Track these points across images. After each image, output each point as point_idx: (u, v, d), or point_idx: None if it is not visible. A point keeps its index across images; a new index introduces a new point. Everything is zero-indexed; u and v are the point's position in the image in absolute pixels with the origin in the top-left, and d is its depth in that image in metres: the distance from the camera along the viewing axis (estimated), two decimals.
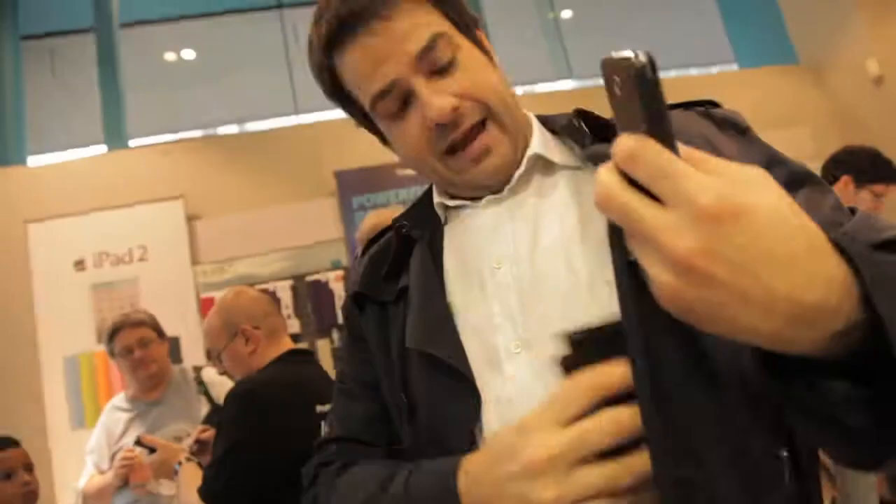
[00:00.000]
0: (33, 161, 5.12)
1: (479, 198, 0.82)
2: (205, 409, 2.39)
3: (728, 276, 0.40)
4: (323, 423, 1.77)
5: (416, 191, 4.37)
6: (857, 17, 5.49)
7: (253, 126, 5.74)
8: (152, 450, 1.93)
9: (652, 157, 0.42)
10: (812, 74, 5.78)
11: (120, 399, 2.49)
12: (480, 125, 0.76)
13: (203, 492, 1.65)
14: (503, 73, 0.81)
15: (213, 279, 4.05)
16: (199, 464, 1.88)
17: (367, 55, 0.75)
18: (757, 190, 0.42)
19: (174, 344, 3.66)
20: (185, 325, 3.85)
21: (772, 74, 5.79)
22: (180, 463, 1.85)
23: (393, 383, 0.81)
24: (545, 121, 0.85)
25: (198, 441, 2.07)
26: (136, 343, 2.37)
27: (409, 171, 4.40)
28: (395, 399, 0.81)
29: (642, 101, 0.43)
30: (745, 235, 0.40)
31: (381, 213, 2.73)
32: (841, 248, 0.43)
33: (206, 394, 2.43)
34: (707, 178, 0.41)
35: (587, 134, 0.76)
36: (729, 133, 0.76)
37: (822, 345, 0.43)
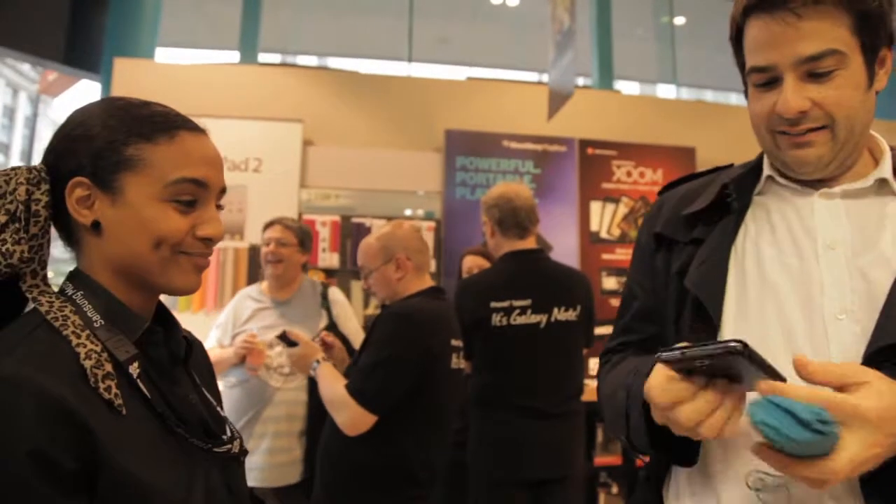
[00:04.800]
0: (161, 53, 5.37)
1: (800, 182, 0.96)
2: (323, 321, 2.63)
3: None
4: (454, 355, 2.00)
5: (517, 163, 4.56)
6: None
7: (364, 64, 5.92)
8: (294, 343, 2.15)
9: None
10: None
11: (254, 289, 2.74)
12: (818, 128, 0.88)
13: (354, 390, 1.88)
14: (872, 99, 0.92)
15: (316, 203, 4.29)
16: (334, 365, 2.12)
17: (765, 36, 0.88)
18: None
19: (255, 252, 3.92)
20: None
21: (882, 127, 5.77)
22: (318, 361, 2.08)
23: (666, 308, 1.01)
24: None
25: (322, 342, 2.31)
26: (275, 240, 2.61)
27: (515, 143, 4.58)
28: (664, 320, 1.02)
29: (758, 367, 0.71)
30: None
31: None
32: None
33: (328, 309, 2.67)
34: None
35: None
36: None
37: None
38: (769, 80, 0.90)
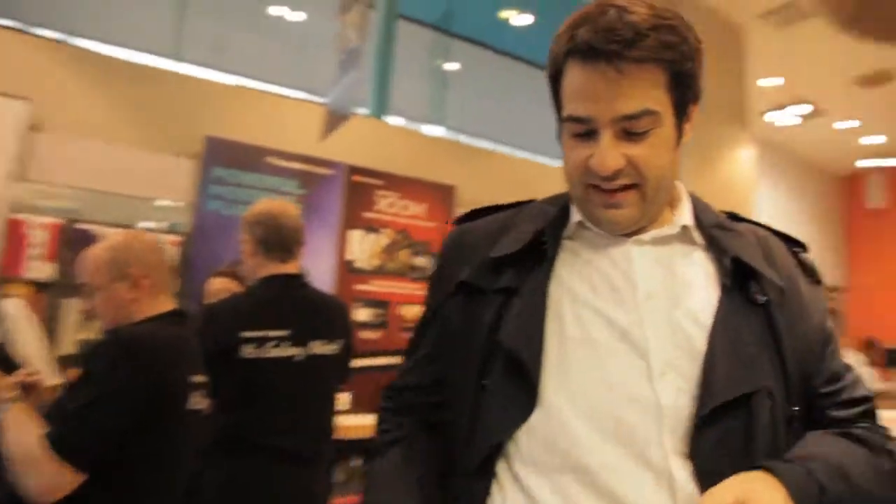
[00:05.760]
0: None
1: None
2: None
3: None
4: (194, 393, 1.70)
5: (281, 181, 4.30)
6: (685, 156, 6.42)
7: (125, 54, 5.22)
8: None
9: None
10: None
11: None
12: (629, 186, 0.88)
13: (55, 441, 1.48)
14: (678, 154, 0.93)
15: (32, 201, 3.58)
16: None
17: (585, 87, 0.85)
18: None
19: None
20: None
21: None
22: (7, 403, 1.60)
23: (467, 365, 0.92)
24: (696, 201, 1.01)
25: (22, 384, 1.80)
26: None
27: (281, 161, 4.32)
28: (462, 379, 0.93)
29: None
30: None
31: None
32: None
33: None
34: None
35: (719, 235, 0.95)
36: (808, 279, 0.98)
37: None
38: (586, 132, 0.88)
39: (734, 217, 1.03)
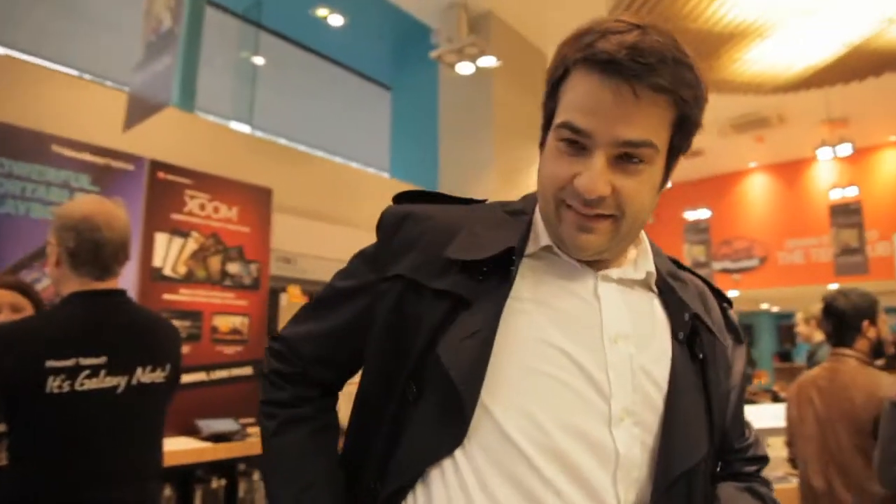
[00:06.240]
0: None
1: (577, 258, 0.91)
2: None
3: None
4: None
5: (70, 176, 3.71)
6: (490, 175, 6.71)
7: None
8: None
9: None
10: None
11: None
12: (606, 216, 0.85)
13: None
14: (657, 199, 0.90)
15: None
16: None
17: (595, 97, 0.79)
18: None
19: None
20: None
21: None
22: None
23: (396, 366, 0.87)
24: (652, 246, 1.00)
25: None
26: None
27: (69, 151, 3.73)
28: (384, 380, 0.89)
29: None
30: None
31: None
32: None
33: None
34: None
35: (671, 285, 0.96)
36: (732, 335, 1.02)
37: None
38: (578, 144, 0.83)
39: (677, 264, 1.05)
